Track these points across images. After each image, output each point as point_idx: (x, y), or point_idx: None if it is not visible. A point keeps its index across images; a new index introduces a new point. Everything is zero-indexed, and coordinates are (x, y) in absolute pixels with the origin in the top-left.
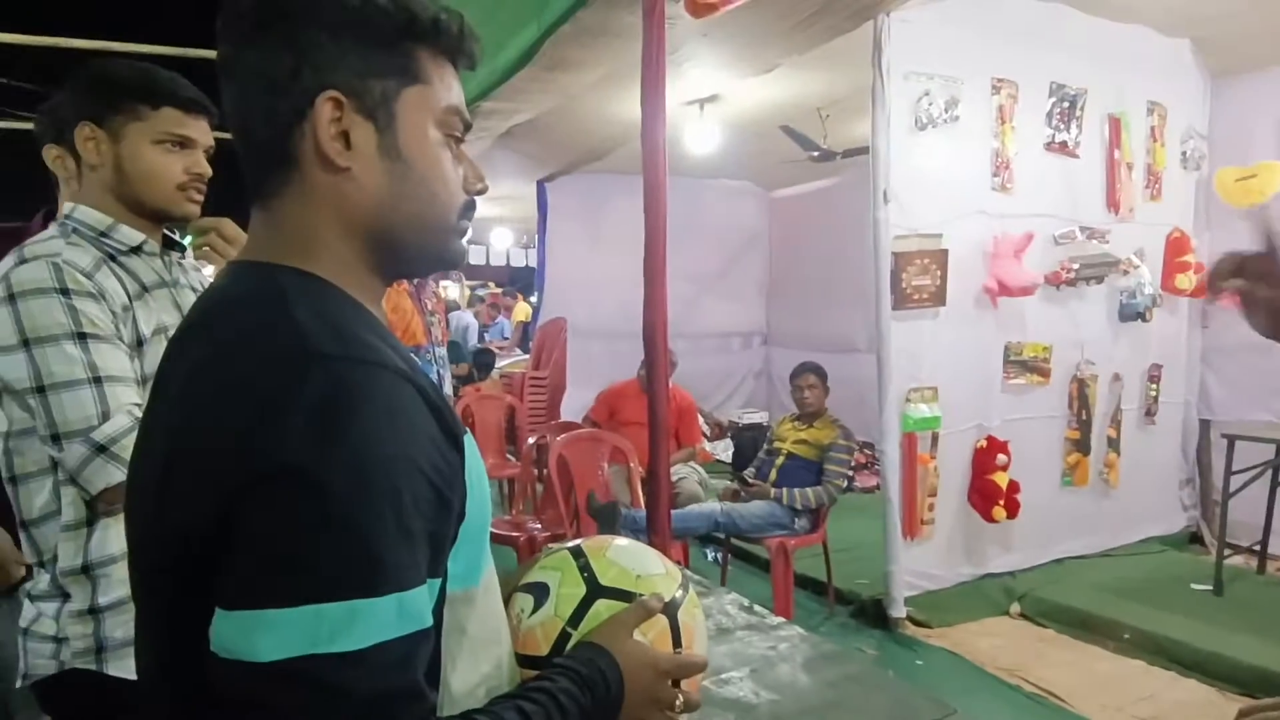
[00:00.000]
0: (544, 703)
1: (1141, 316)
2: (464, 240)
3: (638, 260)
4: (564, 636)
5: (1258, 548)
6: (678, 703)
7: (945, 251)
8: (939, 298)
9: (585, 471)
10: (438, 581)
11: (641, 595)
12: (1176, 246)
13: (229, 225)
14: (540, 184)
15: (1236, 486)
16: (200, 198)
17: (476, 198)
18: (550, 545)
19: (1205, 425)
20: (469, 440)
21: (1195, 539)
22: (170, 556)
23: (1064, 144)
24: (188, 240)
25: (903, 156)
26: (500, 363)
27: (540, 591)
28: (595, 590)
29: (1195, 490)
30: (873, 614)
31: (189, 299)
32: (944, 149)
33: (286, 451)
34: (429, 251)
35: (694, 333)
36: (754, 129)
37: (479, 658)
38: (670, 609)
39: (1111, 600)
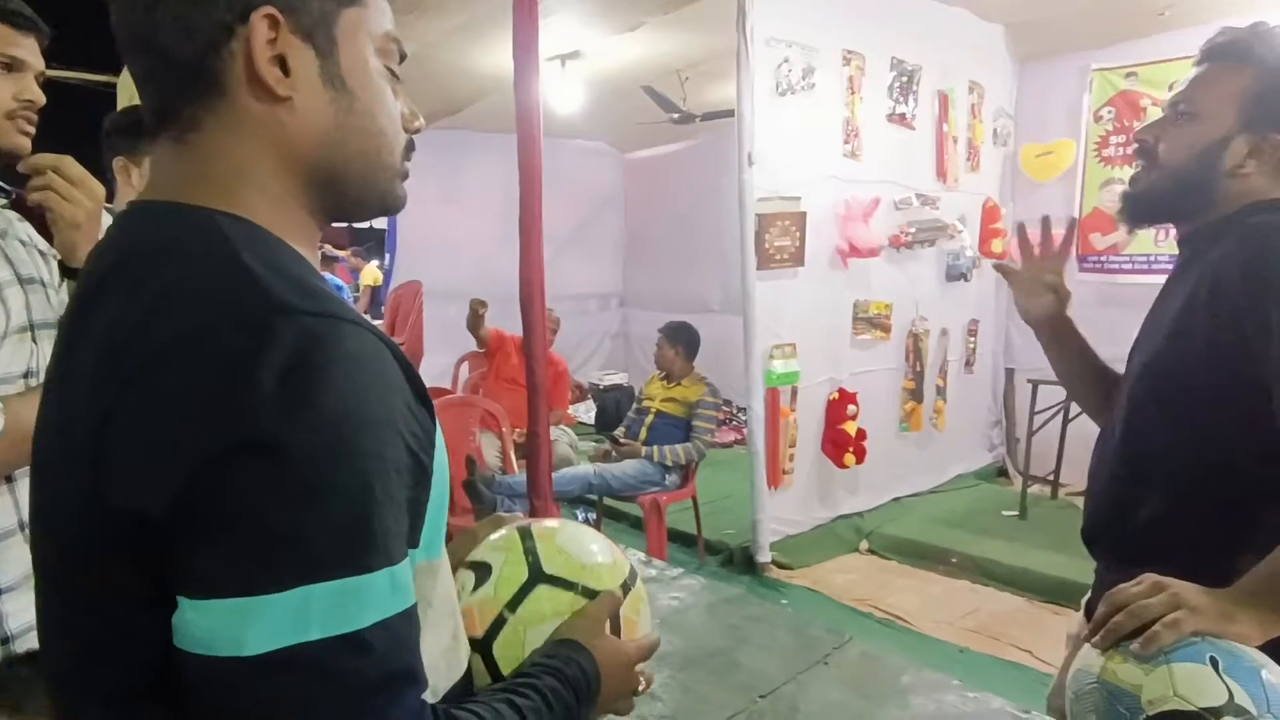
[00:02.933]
0: (535, 699)
1: (964, 276)
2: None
3: (496, 220)
4: (500, 620)
5: (1051, 477)
6: (641, 688)
7: (804, 214)
8: (798, 258)
9: (456, 438)
10: (414, 553)
11: (584, 584)
12: (990, 214)
13: (71, 164)
14: None
15: (1038, 425)
16: (31, 129)
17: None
18: (501, 515)
19: (1010, 373)
20: None
21: (1001, 472)
22: (105, 543)
23: (903, 116)
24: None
25: (765, 121)
26: None
27: (483, 571)
28: (537, 576)
29: (1002, 430)
30: (740, 561)
31: (19, 252)
32: (802, 115)
33: (259, 419)
34: (374, 192)
35: (551, 295)
36: (613, 88)
37: (440, 630)
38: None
39: (940, 530)
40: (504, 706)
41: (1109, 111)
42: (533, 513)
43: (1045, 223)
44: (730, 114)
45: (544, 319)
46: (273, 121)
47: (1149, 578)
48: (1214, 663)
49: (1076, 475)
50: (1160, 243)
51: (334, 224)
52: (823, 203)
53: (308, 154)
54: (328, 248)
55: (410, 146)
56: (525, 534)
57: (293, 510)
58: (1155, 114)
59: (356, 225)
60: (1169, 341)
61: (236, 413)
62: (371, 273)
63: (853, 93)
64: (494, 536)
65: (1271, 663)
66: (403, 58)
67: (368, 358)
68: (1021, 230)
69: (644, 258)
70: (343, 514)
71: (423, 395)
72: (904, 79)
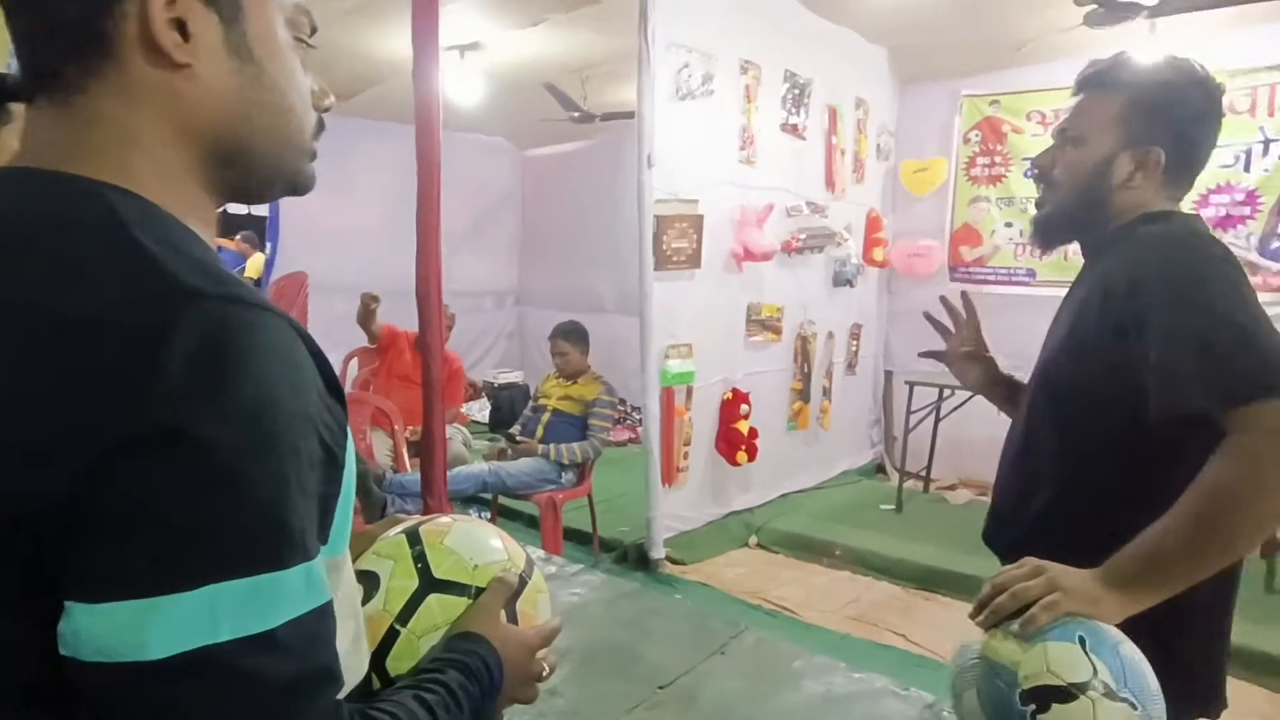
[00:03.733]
0: (441, 694)
1: (849, 282)
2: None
3: (388, 212)
4: (392, 633)
5: (924, 472)
6: (544, 674)
7: (701, 217)
8: (695, 260)
9: None
10: (322, 549)
11: (477, 587)
12: (874, 224)
13: None
14: None
15: (913, 424)
16: None
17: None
18: (398, 516)
19: (889, 375)
20: None
21: (880, 469)
22: None
23: (795, 126)
24: None
25: (665, 124)
26: None
27: (370, 582)
28: (428, 584)
29: (880, 429)
30: (635, 557)
31: None
32: (701, 120)
33: (165, 409)
34: (282, 171)
35: (446, 291)
36: (514, 83)
37: (342, 632)
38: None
39: (824, 524)
40: (414, 704)
41: (976, 134)
42: (426, 512)
43: (944, 301)
44: (630, 115)
45: (440, 315)
46: (168, 89)
47: (1029, 561)
48: (1082, 641)
49: (946, 471)
50: (1019, 257)
51: (235, 203)
52: (719, 206)
53: (208, 126)
54: None
55: (320, 125)
56: (413, 538)
57: (203, 503)
58: (1015, 140)
59: (231, 211)
60: (1063, 347)
61: (141, 401)
62: (257, 263)
63: (749, 101)
64: (379, 541)
65: (1126, 639)
66: (313, 31)
67: (282, 345)
68: (929, 316)
69: (541, 256)
70: (258, 507)
71: (335, 386)
72: (796, 91)
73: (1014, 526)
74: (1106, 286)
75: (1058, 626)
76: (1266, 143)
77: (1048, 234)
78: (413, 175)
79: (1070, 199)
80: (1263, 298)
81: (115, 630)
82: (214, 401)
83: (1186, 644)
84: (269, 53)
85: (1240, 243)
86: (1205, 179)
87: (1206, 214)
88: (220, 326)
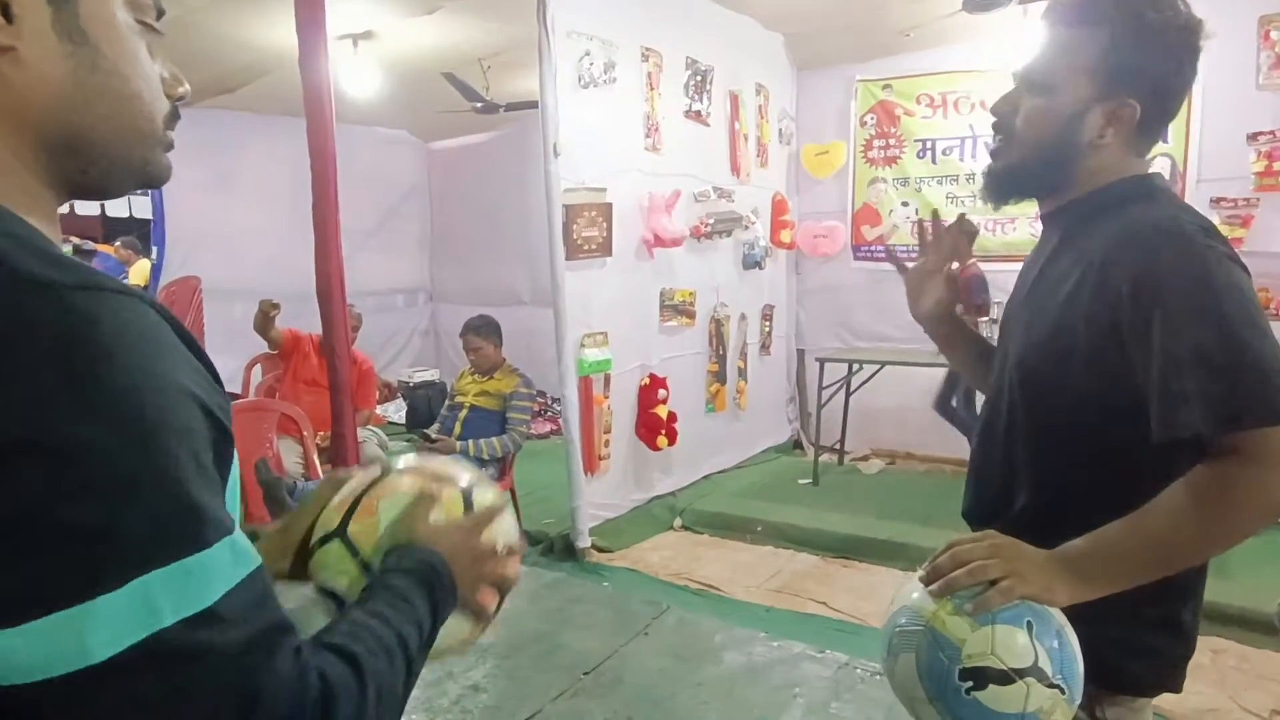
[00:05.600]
0: (389, 599)
1: (759, 265)
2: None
3: (285, 212)
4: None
5: (838, 445)
6: (499, 547)
7: (610, 205)
8: (606, 248)
9: (250, 446)
10: None
11: None
12: (779, 207)
13: None
14: None
15: (826, 399)
16: None
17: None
18: (327, 494)
19: (800, 353)
20: None
21: (797, 445)
22: None
23: (698, 113)
24: None
25: (569, 113)
26: None
27: (337, 603)
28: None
29: (796, 406)
30: (561, 548)
31: None
32: (605, 108)
33: (32, 414)
34: (130, 162)
35: (353, 291)
36: (412, 74)
37: None
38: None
39: (745, 502)
40: (361, 614)
41: (871, 118)
42: None
43: (935, 215)
44: (535, 105)
45: (344, 315)
46: None
47: (990, 537)
48: (1029, 626)
49: (858, 442)
50: (915, 235)
51: (84, 200)
52: (628, 194)
53: (39, 115)
54: (75, 240)
55: (174, 115)
56: (350, 546)
57: (101, 503)
58: (907, 122)
59: (111, 214)
60: (1044, 343)
61: (11, 412)
62: (142, 270)
63: (652, 88)
64: (319, 552)
65: (1069, 625)
66: (160, 14)
67: (148, 327)
68: (922, 225)
69: (452, 251)
70: (163, 494)
71: (209, 365)
72: (698, 78)
73: (997, 515)
74: (1101, 283)
75: (1009, 609)
76: None
77: (1002, 190)
78: (309, 171)
79: (1033, 155)
80: None
81: (48, 645)
82: (86, 399)
83: (1185, 607)
84: (106, 36)
85: None
86: None
87: None
88: (75, 318)
